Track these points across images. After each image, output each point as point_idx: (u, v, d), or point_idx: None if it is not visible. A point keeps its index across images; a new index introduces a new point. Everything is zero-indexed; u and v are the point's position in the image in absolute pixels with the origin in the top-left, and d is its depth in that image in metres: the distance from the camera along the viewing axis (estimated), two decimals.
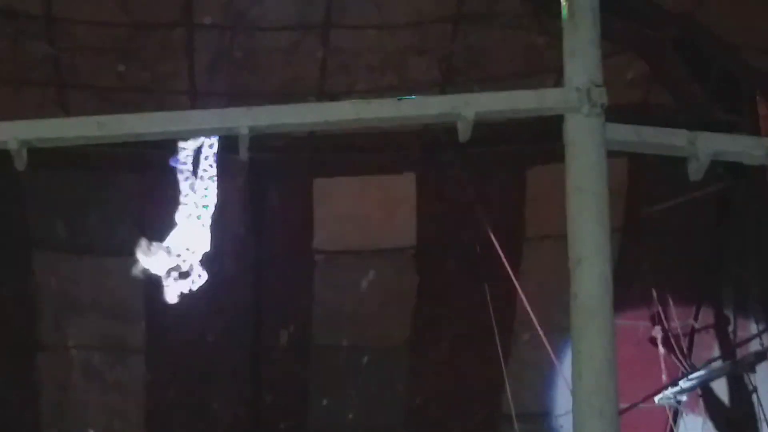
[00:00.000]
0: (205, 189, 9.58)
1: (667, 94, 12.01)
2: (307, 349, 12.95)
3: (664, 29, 11.22)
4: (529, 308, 11.61)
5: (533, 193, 12.58)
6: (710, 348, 12.10)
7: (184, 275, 9.61)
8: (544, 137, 11.84)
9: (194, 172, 9.64)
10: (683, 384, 10.53)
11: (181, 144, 9.60)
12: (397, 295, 12.74)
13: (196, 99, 11.99)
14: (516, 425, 11.54)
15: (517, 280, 11.84)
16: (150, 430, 13.04)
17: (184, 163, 9.62)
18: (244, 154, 6.25)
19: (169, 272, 9.56)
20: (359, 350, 12.92)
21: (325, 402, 13.07)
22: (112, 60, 11.81)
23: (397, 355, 12.91)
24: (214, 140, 9.57)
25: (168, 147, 11.02)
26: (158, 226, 12.48)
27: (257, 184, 12.51)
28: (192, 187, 9.60)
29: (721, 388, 11.42)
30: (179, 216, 9.53)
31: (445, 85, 12.15)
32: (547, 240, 12.32)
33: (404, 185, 12.61)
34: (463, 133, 6.19)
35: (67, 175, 12.17)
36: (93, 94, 11.88)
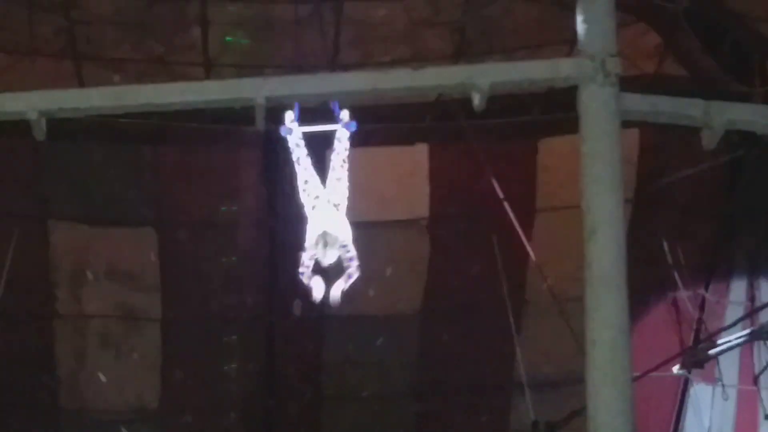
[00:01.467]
0: (338, 179, 8.78)
1: (680, 65, 12.02)
2: (320, 318, 13.02)
3: (676, 1, 11.22)
4: (543, 276, 11.66)
5: (545, 165, 12.61)
6: (721, 318, 12.16)
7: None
8: (555, 109, 11.93)
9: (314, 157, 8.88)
10: (699, 354, 10.57)
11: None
12: (410, 265, 12.80)
13: (210, 70, 12.03)
14: (528, 393, 11.61)
15: (529, 250, 11.90)
16: (165, 398, 13.15)
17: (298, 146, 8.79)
18: (261, 123, 6.32)
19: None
20: (373, 319, 12.99)
21: (338, 370, 13.16)
22: (127, 32, 11.86)
23: (409, 324, 12.98)
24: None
25: (182, 118, 11.11)
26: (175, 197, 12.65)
27: (271, 156, 12.55)
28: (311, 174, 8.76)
29: (732, 358, 11.49)
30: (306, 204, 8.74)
31: (457, 57, 12.16)
32: (558, 211, 12.36)
33: (417, 156, 12.65)
34: (479, 103, 6.24)
35: (84, 146, 12.23)
36: (107, 65, 11.94)
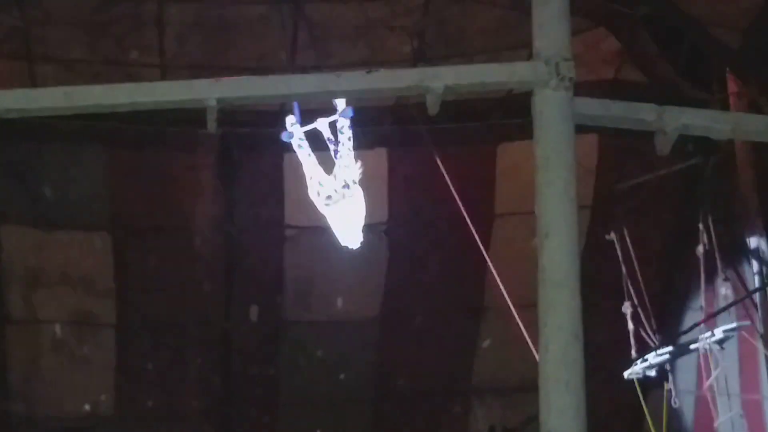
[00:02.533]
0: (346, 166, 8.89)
1: (639, 71, 12.04)
2: (277, 324, 12.95)
3: (635, 6, 11.24)
4: (500, 283, 11.64)
5: (503, 169, 12.60)
6: (679, 323, 12.18)
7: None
8: (514, 114, 11.93)
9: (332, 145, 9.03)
10: (652, 359, 10.59)
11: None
12: (368, 270, 12.74)
13: (165, 72, 11.92)
14: (486, 399, 11.59)
15: (487, 255, 11.87)
16: (120, 405, 13.02)
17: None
18: (212, 126, 6.22)
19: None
20: (330, 325, 12.92)
21: (295, 376, 13.08)
22: (82, 33, 11.73)
23: (368, 329, 12.93)
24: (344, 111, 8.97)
25: (139, 121, 11.00)
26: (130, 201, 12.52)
27: (228, 159, 12.47)
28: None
29: (690, 362, 11.51)
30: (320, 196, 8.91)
31: (416, 61, 12.13)
32: (516, 216, 12.36)
33: (375, 160, 12.60)
34: (432, 106, 6.19)
35: (37, 149, 12.09)
36: (62, 66, 11.80)
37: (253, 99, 6.20)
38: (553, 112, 5.97)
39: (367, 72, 6.08)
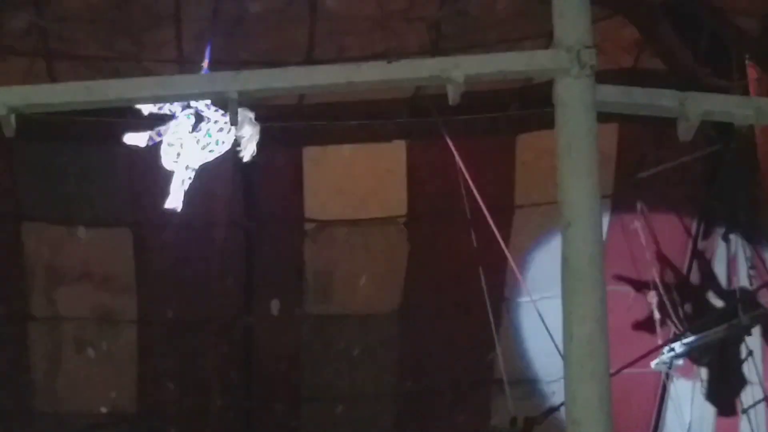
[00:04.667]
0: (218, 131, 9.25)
1: (658, 59, 11.99)
2: (299, 318, 12.94)
3: None
4: (518, 275, 11.64)
5: (523, 160, 12.57)
6: (704, 311, 12.13)
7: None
8: (533, 104, 11.89)
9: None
10: (678, 348, 10.55)
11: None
12: (389, 263, 12.73)
13: (184, 67, 11.91)
14: (508, 390, 11.56)
15: (507, 247, 11.85)
16: (142, 402, 13.04)
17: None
18: (234, 119, 6.24)
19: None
20: (351, 318, 12.92)
21: (317, 370, 13.08)
22: (100, 29, 11.73)
23: (388, 323, 12.92)
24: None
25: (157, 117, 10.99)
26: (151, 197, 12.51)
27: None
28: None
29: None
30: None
31: (434, 52, 12.10)
32: (537, 207, 12.33)
33: (394, 153, 12.58)
34: (453, 96, 6.17)
35: (58, 146, 12.11)
36: (80, 63, 11.81)
37: (274, 91, 6.18)
38: (575, 100, 5.94)
39: (388, 62, 6.07)
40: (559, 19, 6.08)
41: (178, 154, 9.19)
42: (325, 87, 6.23)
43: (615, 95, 6.15)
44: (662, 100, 6.17)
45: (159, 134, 9.27)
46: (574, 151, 5.92)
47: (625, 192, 12.18)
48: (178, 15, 11.62)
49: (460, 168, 11.75)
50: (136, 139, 9.32)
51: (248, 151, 9.43)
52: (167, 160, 9.25)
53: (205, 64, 9.30)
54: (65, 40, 11.71)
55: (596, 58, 6.03)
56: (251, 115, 9.32)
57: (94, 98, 6.14)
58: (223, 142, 9.35)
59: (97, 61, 11.84)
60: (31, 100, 6.10)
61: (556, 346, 8.29)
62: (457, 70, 6.09)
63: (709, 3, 11.13)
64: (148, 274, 12.67)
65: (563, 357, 5.66)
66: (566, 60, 6.01)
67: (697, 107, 6.13)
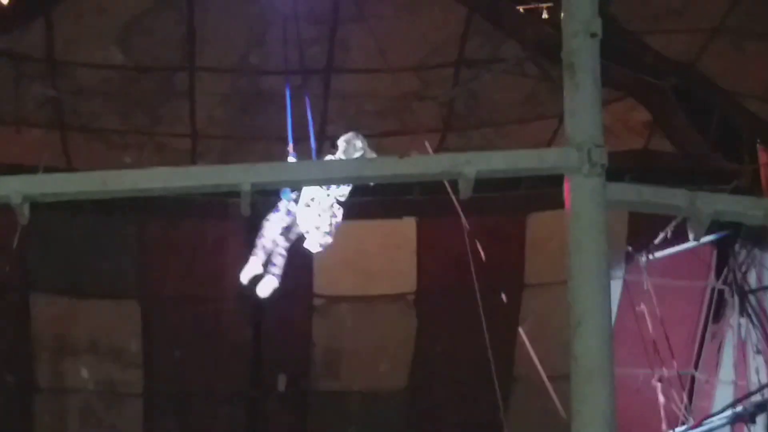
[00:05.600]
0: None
1: (669, 141, 12.04)
2: (306, 394, 12.88)
3: (665, 77, 11.26)
4: (532, 353, 11.57)
5: (533, 239, 12.57)
6: (710, 397, 12.06)
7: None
8: (543, 183, 11.91)
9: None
10: None
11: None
12: (397, 340, 12.69)
13: (197, 141, 12.00)
14: None
15: (517, 326, 11.84)
16: None
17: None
18: (246, 209, 6.24)
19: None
20: (358, 395, 12.85)
21: None
22: (114, 102, 11.84)
23: (397, 400, 12.84)
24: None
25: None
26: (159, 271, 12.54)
27: (257, 228, 12.46)
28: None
29: None
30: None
31: (446, 131, 12.18)
32: (546, 287, 12.31)
33: (404, 230, 12.60)
34: (464, 191, 6.18)
35: (68, 219, 12.14)
36: (95, 136, 11.90)
37: (287, 184, 6.23)
38: (585, 198, 5.95)
39: (400, 158, 6.10)
40: (570, 117, 6.11)
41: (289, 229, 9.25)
42: (337, 181, 6.26)
43: (625, 193, 6.15)
44: (673, 199, 6.16)
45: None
46: (584, 249, 5.92)
47: (634, 274, 12.15)
48: (192, 90, 11.73)
49: (471, 246, 11.76)
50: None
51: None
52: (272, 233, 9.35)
53: (290, 148, 9.37)
54: (80, 112, 11.82)
55: (606, 156, 6.06)
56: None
57: (108, 188, 6.17)
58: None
59: (112, 134, 11.92)
60: (46, 189, 6.12)
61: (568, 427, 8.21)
62: (469, 167, 6.11)
63: (720, 87, 11.20)
64: (155, 348, 12.64)
65: None
66: (576, 159, 6.03)
67: (707, 207, 6.13)
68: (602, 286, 5.88)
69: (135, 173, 6.22)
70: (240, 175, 6.08)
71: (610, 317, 5.87)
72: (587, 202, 5.98)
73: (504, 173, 6.21)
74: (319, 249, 9.63)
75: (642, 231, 12.19)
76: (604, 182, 6.02)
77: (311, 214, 9.46)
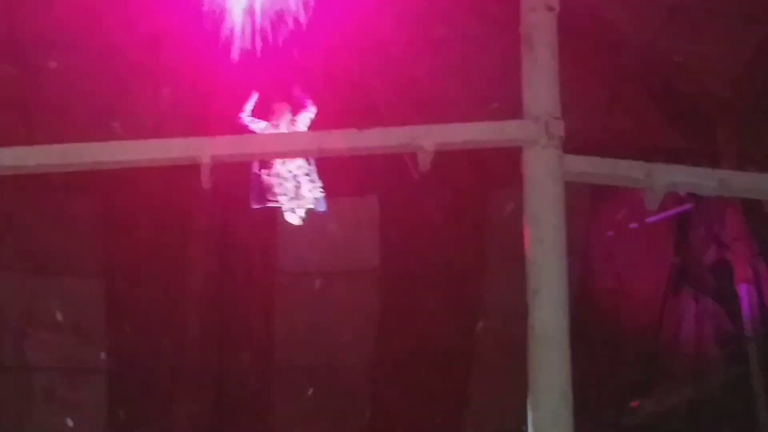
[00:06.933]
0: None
1: (628, 118, 12.13)
2: (270, 370, 12.93)
3: (625, 56, 11.34)
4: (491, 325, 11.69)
5: (494, 216, 12.65)
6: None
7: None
8: (505, 160, 11.98)
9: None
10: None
11: None
12: (361, 315, 12.76)
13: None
14: None
15: (479, 300, 11.95)
16: None
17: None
18: (206, 183, 6.31)
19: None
20: (322, 372, 12.91)
21: (289, 423, 13.05)
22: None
23: (361, 377, 12.92)
24: None
25: None
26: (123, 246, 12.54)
27: (221, 203, 12.48)
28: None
29: None
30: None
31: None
32: (507, 263, 12.39)
33: (367, 206, 12.66)
34: (423, 163, 6.30)
35: (26, 195, 12.08)
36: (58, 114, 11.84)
37: (246, 157, 6.29)
38: (543, 170, 6.06)
39: (359, 130, 6.19)
40: (528, 90, 6.22)
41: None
42: (297, 153, 6.33)
43: (582, 165, 6.28)
44: (629, 171, 6.30)
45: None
46: (541, 221, 6.04)
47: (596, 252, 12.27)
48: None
49: (433, 222, 11.88)
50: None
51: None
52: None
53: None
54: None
55: (563, 128, 6.16)
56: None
57: (68, 161, 6.23)
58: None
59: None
60: (6, 162, 6.18)
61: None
62: (428, 139, 6.21)
63: (680, 65, 11.30)
64: (117, 324, 12.64)
65: (528, 425, 5.73)
66: (534, 131, 6.14)
67: (663, 178, 6.26)
68: (559, 256, 6.00)
69: (94, 146, 6.29)
70: (199, 148, 6.16)
71: (566, 287, 5.99)
72: (545, 174, 6.09)
73: (462, 145, 6.32)
74: (300, 222, 9.86)
75: (603, 206, 12.31)
76: (561, 154, 6.14)
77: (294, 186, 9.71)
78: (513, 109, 6.32)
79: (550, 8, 6.21)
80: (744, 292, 11.11)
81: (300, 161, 9.52)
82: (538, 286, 6.01)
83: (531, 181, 6.16)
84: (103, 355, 12.58)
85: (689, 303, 11.47)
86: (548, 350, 5.85)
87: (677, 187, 6.33)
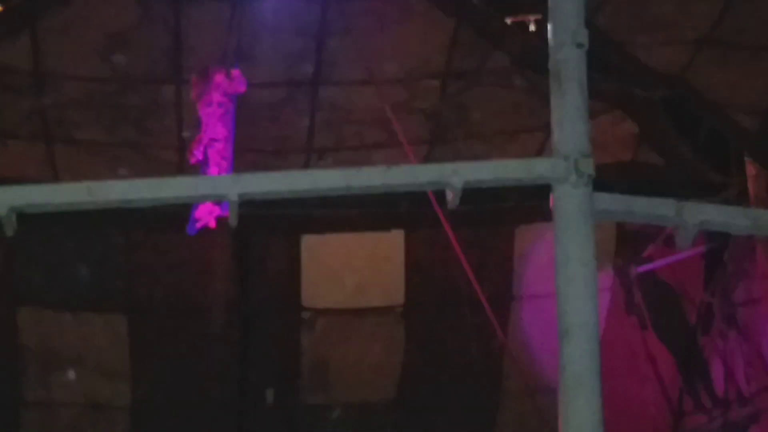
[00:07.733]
0: None
1: (656, 153, 12.06)
2: (294, 407, 12.84)
3: (653, 89, 11.28)
4: (519, 366, 11.58)
5: (521, 252, 12.57)
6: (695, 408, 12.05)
7: None
8: (531, 196, 11.91)
9: None
10: None
11: None
12: (384, 353, 12.67)
13: (183, 154, 11.98)
14: None
15: (504, 338, 11.82)
16: None
17: None
18: (233, 220, 6.21)
19: None
20: (346, 408, 12.82)
21: None
22: (101, 115, 11.82)
23: (384, 414, 12.81)
24: None
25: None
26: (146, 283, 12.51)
27: (244, 240, 12.47)
28: None
29: None
30: None
31: (433, 142, 12.18)
32: (534, 299, 12.31)
33: (393, 242, 12.60)
34: (452, 201, 6.19)
35: (55, 231, 12.10)
36: (81, 148, 11.87)
37: (274, 194, 6.20)
38: (573, 208, 5.95)
39: (387, 168, 6.10)
40: (557, 127, 6.12)
41: None
42: (325, 191, 6.24)
43: (612, 203, 6.16)
44: (659, 209, 6.17)
45: None
46: (571, 260, 5.92)
47: (623, 286, 12.16)
48: (179, 102, 11.72)
49: (459, 258, 11.77)
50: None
51: None
52: None
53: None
54: (64, 125, 11.77)
55: (593, 166, 6.06)
56: None
57: (95, 199, 6.14)
58: None
59: (98, 147, 11.89)
60: (33, 200, 6.09)
61: None
62: (456, 177, 6.10)
63: (708, 99, 11.22)
64: (141, 360, 12.60)
65: None
66: (564, 168, 6.04)
67: (694, 217, 6.13)
68: (590, 295, 5.88)
69: (122, 184, 6.20)
70: (227, 186, 6.08)
71: (598, 327, 5.87)
72: (574, 213, 5.98)
73: (491, 183, 6.21)
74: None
75: (630, 243, 12.21)
76: (591, 192, 6.03)
77: None
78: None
79: (580, 45, 6.13)
80: None
81: None
82: (568, 327, 5.87)
83: (560, 219, 6.03)
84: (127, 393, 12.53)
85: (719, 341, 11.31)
86: (579, 392, 5.70)
87: (709, 225, 6.20)
